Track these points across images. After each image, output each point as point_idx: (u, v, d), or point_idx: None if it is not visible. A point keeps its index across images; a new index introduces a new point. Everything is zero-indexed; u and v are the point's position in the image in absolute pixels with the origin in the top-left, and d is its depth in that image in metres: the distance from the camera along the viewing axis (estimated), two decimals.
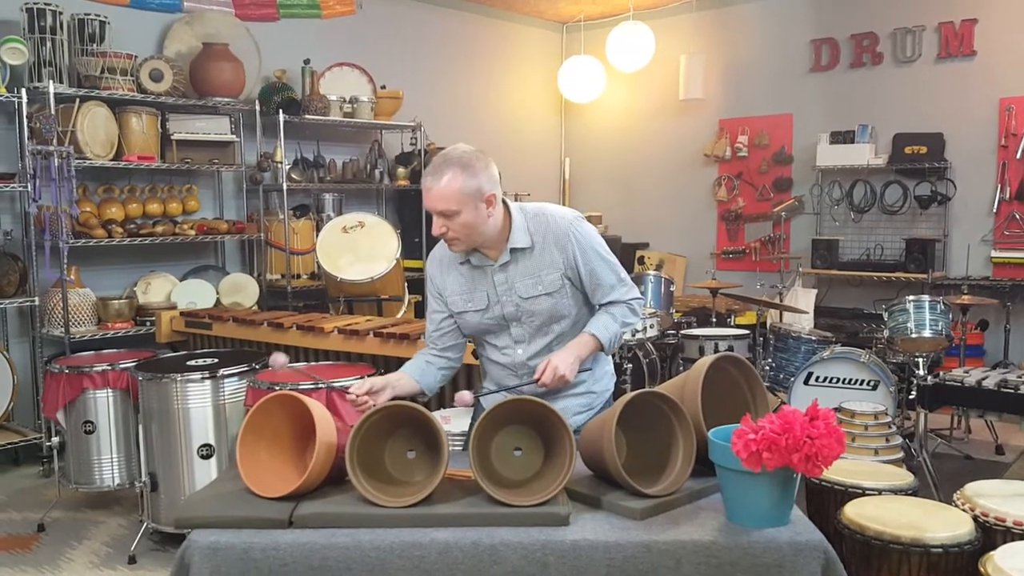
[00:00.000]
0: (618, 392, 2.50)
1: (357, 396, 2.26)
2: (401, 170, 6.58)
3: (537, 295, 2.37)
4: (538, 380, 2.29)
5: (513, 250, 2.36)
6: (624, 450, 2.03)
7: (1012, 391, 3.77)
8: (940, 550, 2.18)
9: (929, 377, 4.01)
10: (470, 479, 1.93)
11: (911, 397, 4.13)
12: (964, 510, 2.38)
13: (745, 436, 1.73)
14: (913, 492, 2.64)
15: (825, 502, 2.65)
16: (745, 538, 1.76)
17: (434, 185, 2.24)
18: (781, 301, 5.74)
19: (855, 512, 2.35)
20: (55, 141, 4.64)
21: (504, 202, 2.37)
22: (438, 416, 3.22)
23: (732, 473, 1.80)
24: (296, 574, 1.75)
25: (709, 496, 1.97)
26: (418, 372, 2.47)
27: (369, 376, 2.53)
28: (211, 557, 1.76)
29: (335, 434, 1.96)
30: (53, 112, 4.67)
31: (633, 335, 4.84)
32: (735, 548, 1.75)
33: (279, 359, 2.65)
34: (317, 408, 1.97)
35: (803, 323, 5.67)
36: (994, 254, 6.07)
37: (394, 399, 2.26)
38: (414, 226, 6.52)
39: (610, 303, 2.42)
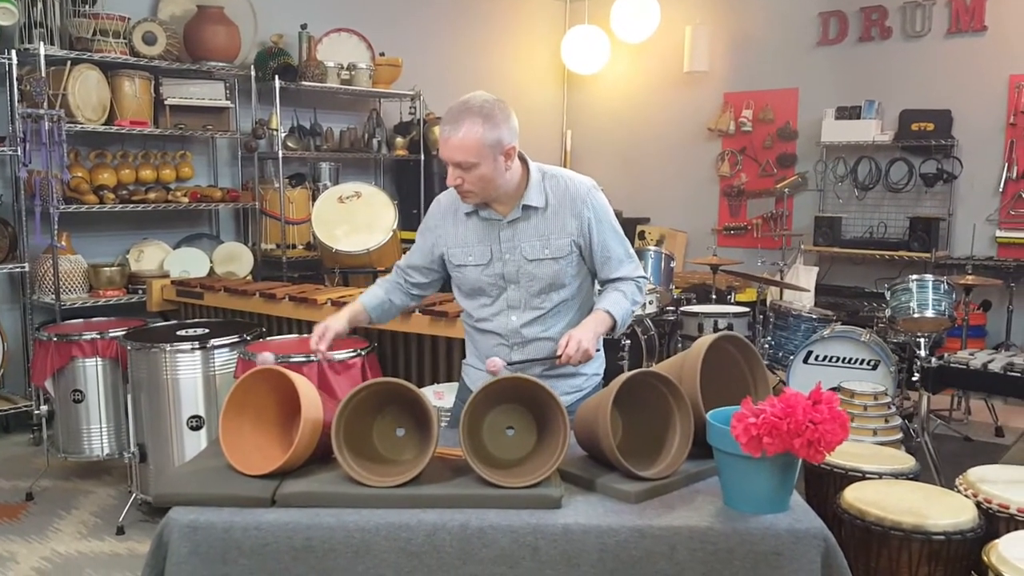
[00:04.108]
0: (616, 369, 2.43)
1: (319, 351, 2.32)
2: (399, 140, 6.48)
3: (542, 258, 2.28)
4: (560, 356, 2.18)
5: (526, 207, 2.28)
6: (620, 431, 1.97)
7: (1019, 375, 3.72)
8: (942, 537, 2.13)
9: (933, 359, 3.95)
10: (460, 458, 1.87)
11: (913, 379, 4.07)
12: (967, 496, 2.33)
13: (745, 420, 1.67)
14: (914, 476, 2.59)
15: (824, 485, 2.59)
16: (743, 524, 1.71)
17: (452, 135, 2.14)
18: (782, 278, 5.67)
19: (855, 497, 2.30)
20: (46, 104, 4.56)
21: (522, 157, 2.30)
22: (430, 392, 3.18)
23: (731, 457, 1.73)
24: (278, 554, 1.69)
25: (706, 479, 1.91)
26: (377, 310, 2.45)
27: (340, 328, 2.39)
28: (190, 536, 1.70)
29: (321, 410, 1.90)
30: (44, 75, 4.58)
31: None
32: (732, 534, 1.69)
33: (267, 358, 2.68)
34: (302, 383, 1.90)
35: (804, 301, 5.59)
36: (999, 234, 5.99)
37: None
38: (412, 197, 6.43)
39: (618, 279, 2.34)
